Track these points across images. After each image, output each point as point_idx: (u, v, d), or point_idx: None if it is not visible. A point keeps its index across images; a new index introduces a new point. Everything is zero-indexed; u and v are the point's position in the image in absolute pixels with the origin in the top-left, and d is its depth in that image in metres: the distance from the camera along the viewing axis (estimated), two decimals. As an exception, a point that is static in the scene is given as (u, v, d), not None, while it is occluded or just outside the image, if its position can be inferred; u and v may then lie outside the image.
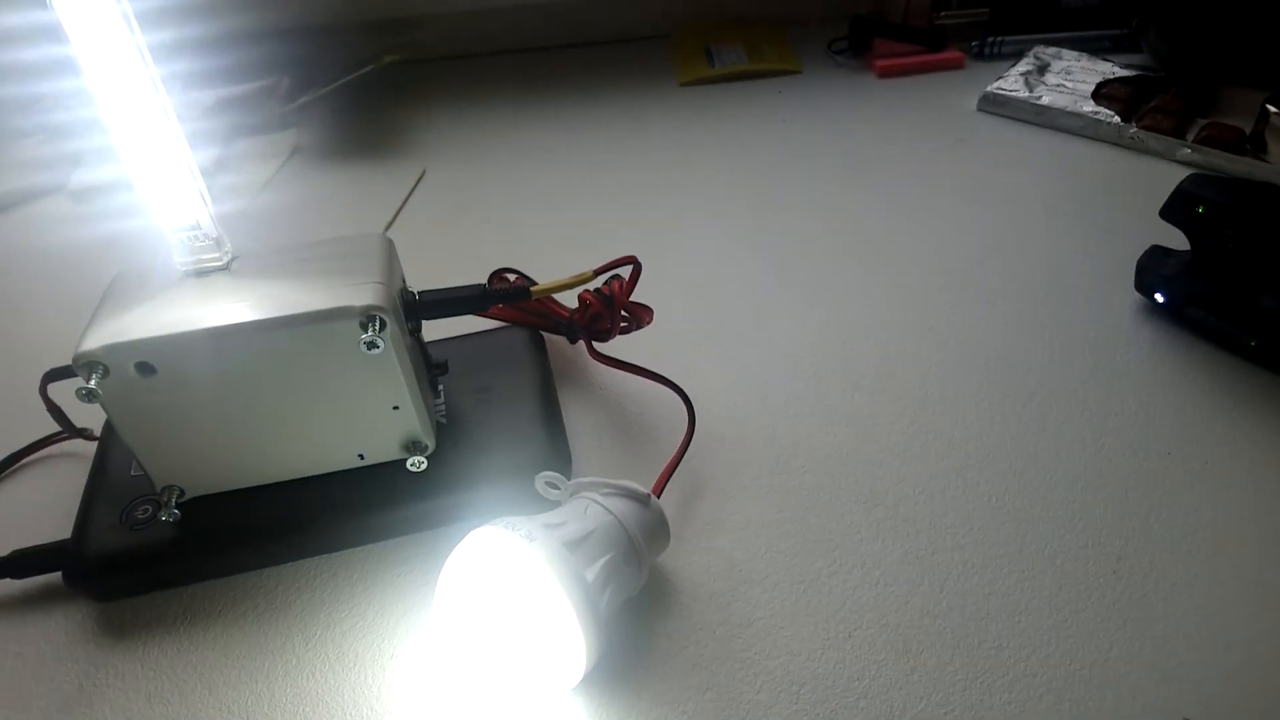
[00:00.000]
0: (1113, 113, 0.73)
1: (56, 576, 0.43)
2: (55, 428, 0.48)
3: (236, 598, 0.43)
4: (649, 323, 0.50)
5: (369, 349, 0.37)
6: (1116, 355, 0.54)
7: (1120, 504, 0.45)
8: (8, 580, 0.44)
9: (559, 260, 0.65)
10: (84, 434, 0.49)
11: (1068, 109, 0.75)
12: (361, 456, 0.43)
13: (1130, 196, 0.67)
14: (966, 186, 0.70)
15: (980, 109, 0.79)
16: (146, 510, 0.43)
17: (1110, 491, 0.46)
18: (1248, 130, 0.69)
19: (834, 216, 0.68)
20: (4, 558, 0.43)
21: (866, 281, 0.61)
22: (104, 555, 0.42)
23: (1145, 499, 0.45)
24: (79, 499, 0.45)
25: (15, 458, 0.51)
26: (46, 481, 0.50)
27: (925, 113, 0.80)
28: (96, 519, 0.43)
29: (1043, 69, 0.80)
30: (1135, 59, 0.82)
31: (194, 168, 0.37)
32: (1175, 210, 0.52)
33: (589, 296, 0.48)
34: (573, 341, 0.53)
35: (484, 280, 0.55)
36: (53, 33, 0.33)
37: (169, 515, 0.42)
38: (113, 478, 0.45)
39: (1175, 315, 0.55)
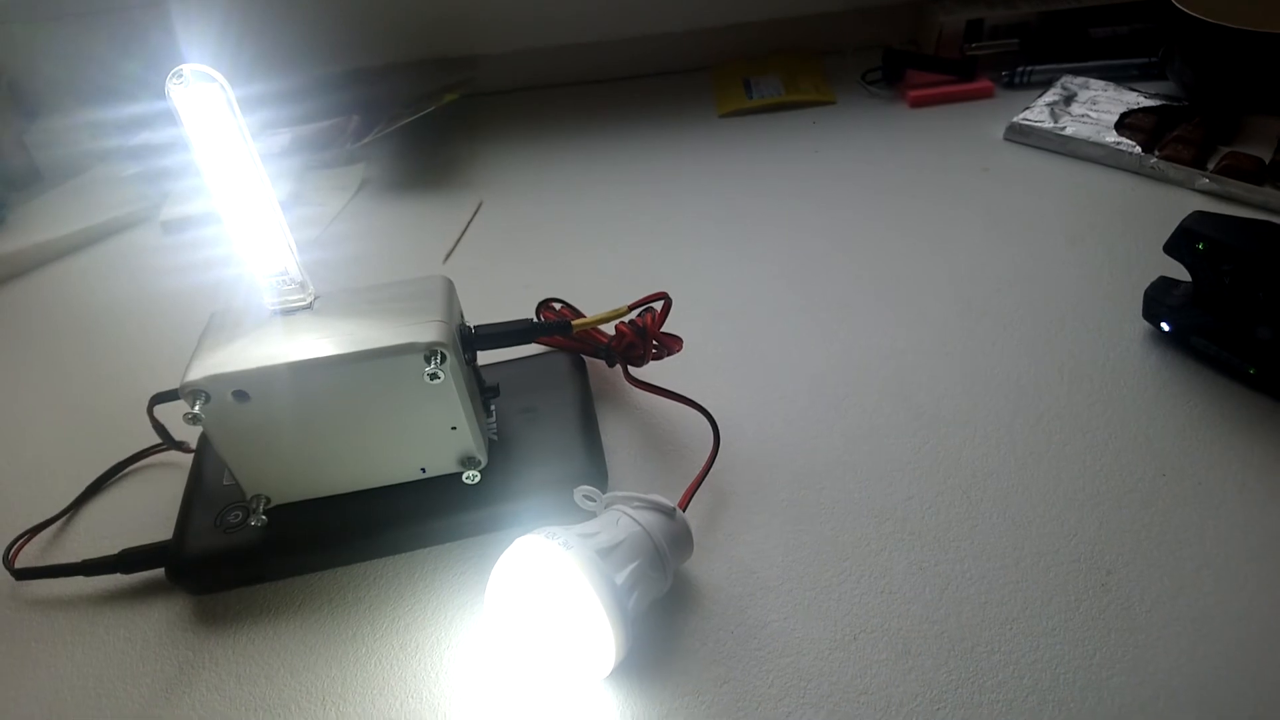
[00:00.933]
0: (1134, 143, 0.75)
1: (159, 572, 0.49)
2: (149, 441, 0.54)
3: (314, 593, 0.49)
4: (678, 350, 0.55)
5: (431, 379, 0.43)
6: (1122, 381, 0.57)
7: (1114, 521, 0.48)
8: (118, 575, 0.50)
9: (602, 284, 0.70)
10: (181, 446, 0.55)
11: (1090, 139, 0.77)
12: (423, 470, 0.49)
13: (1148, 225, 0.69)
14: (989, 214, 0.73)
15: (1007, 138, 0.82)
16: (237, 516, 0.49)
17: (1105, 510, 0.49)
18: (1267, 160, 0.71)
19: (860, 243, 0.72)
20: (115, 555, 0.50)
21: (888, 306, 0.65)
22: (201, 554, 0.48)
23: (1138, 517, 0.49)
24: (177, 504, 0.51)
25: (121, 466, 0.57)
26: (148, 488, 0.57)
27: (954, 142, 0.83)
28: (194, 523, 0.50)
29: (1069, 99, 0.83)
30: (1161, 87, 0.84)
31: (284, 225, 0.43)
32: (1177, 246, 0.55)
33: (624, 328, 0.53)
34: (610, 366, 0.58)
35: (533, 307, 0.61)
36: (169, 117, 0.39)
37: (257, 520, 0.48)
38: (208, 487, 0.52)
39: (1180, 343, 0.58)
